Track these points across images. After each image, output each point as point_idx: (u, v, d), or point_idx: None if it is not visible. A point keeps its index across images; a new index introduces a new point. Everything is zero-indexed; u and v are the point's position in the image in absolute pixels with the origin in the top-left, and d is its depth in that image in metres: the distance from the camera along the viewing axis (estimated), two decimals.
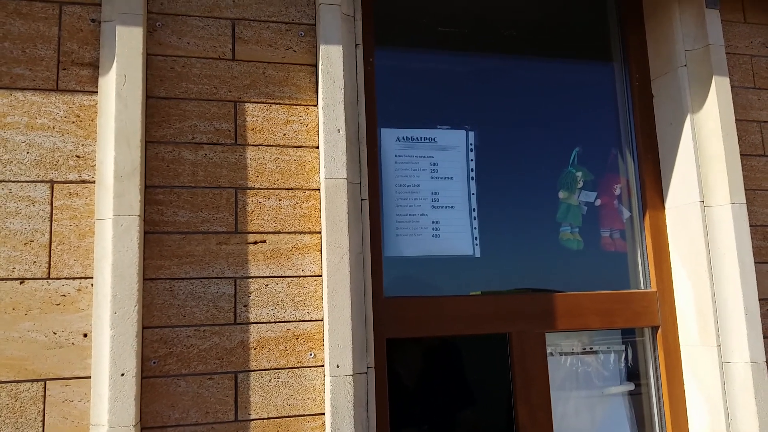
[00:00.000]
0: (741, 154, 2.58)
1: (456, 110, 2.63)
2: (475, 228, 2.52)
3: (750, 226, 2.50)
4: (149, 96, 2.01)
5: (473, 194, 2.55)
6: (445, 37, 2.71)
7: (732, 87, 2.65)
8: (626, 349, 2.61)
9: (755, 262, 2.47)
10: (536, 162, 2.67)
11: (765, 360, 2.32)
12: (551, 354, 2.48)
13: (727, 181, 2.44)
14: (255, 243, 2.02)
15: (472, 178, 2.56)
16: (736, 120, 2.61)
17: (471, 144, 2.59)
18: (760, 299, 2.44)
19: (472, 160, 2.58)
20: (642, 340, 2.62)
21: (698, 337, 2.42)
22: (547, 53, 2.82)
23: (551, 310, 2.41)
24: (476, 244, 2.51)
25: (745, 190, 2.55)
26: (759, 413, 2.26)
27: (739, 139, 2.60)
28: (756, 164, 2.62)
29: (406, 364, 2.42)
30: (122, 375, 1.77)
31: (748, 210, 2.51)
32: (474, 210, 2.54)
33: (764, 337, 2.43)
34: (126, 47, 1.94)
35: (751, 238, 2.48)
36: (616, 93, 2.84)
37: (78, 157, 1.91)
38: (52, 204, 1.86)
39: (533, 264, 2.59)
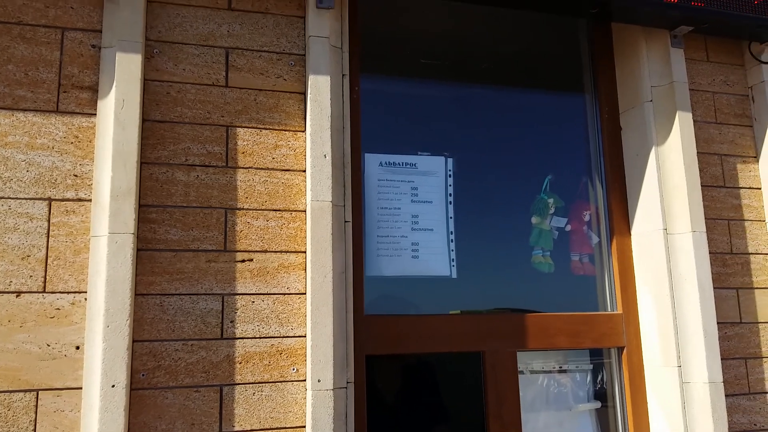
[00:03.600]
0: (702, 185, 2.70)
1: (436, 137, 2.72)
2: (453, 250, 2.60)
3: (710, 253, 2.61)
4: (145, 119, 2.07)
5: (451, 218, 2.63)
6: (427, 69, 2.81)
7: (695, 122, 2.77)
8: (594, 369, 2.69)
9: (714, 288, 2.57)
10: (511, 188, 2.77)
11: (722, 381, 2.42)
12: (522, 372, 2.55)
13: (688, 211, 2.54)
14: (243, 261, 2.08)
15: (450, 203, 2.64)
16: (699, 153, 2.72)
17: (450, 170, 2.68)
18: (718, 323, 2.54)
19: (450, 185, 2.66)
20: (609, 360, 2.70)
21: (660, 357, 2.51)
22: (523, 85, 2.93)
23: (523, 330, 2.49)
24: (453, 266, 2.58)
25: (706, 219, 2.66)
26: (716, 430, 2.35)
27: (701, 171, 2.72)
28: (716, 195, 2.74)
29: (384, 380, 2.48)
30: (113, 386, 1.81)
31: (708, 238, 2.62)
32: (451, 233, 2.62)
33: (723, 359, 2.53)
34: (125, 72, 2.00)
35: (711, 265, 2.59)
36: (587, 124, 2.95)
37: (76, 176, 1.96)
38: (49, 221, 1.91)
39: (507, 285, 2.67)
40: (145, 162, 2.04)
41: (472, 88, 2.84)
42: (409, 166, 2.63)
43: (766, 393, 2.57)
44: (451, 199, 2.65)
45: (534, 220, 2.75)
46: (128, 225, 1.91)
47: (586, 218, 2.81)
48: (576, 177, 2.87)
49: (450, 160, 2.68)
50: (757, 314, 2.64)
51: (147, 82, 2.09)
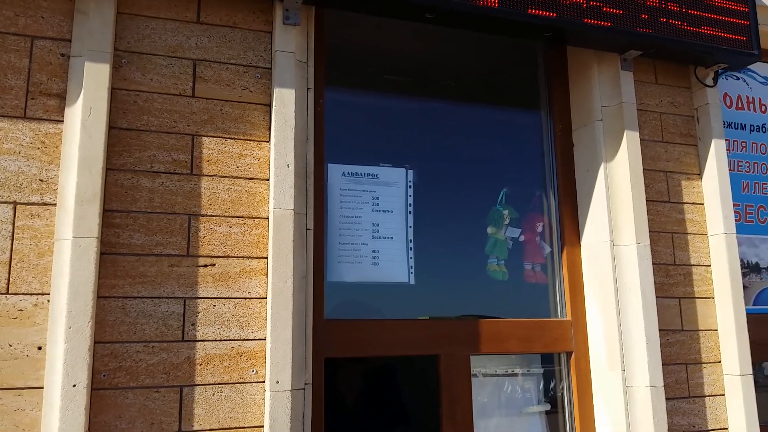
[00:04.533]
0: (648, 200, 2.82)
1: (398, 150, 2.80)
2: (411, 258, 2.67)
3: (653, 264, 2.73)
4: (112, 126, 2.11)
5: (410, 227, 2.71)
6: (391, 84, 2.89)
7: (643, 140, 2.90)
8: (544, 373, 2.79)
9: (657, 297, 2.69)
10: (468, 200, 2.86)
11: (663, 384, 2.53)
12: (476, 375, 2.63)
13: (633, 224, 2.66)
14: (205, 266, 2.12)
15: (410, 212, 2.72)
16: (646, 170, 2.85)
17: (410, 181, 2.76)
18: (661, 330, 2.66)
19: (410, 195, 2.74)
20: (558, 364, 2.80)
21: (606, 362, 2.62)
22: (483, 101, 3.03)
23: (476, 335, 2.58)
24: (411, 273, 2.66)
25: (651, 232, 2.78)
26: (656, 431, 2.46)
27: (648, 186, 2.84)
28: (661, 209, 2.87)
29: (343, 382, 2.54)
30: (74, 386, 1.84)
31: (652, 250, 2.75)
32: (411, 241, 2.69)
33: (664, 365, 2.64)
34: (93, 81, 2.04)
35: (654, 275, 2.71)
36: (542, 140, 3.06)
37: (41, 180, 1.99)
38: (14, 224, 1.93)
39: (463, 292, 2.75)
40: (110, 168, 2.08)
41: (433, 103, 2.93)
42: (371, 176, 2.70)
43: (705, 396, 2.69)
44: (410, 209, 2.73)
45: (489, 230, 2.84)
46: (92, 230, 1.94)
47: (539, 229, 2.92)
48: (530, 190, 2.97)
49: (411, 172, 2.77)
50: (698, 322, 2.76)
51: (114, 91, 2.13)
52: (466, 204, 2.85)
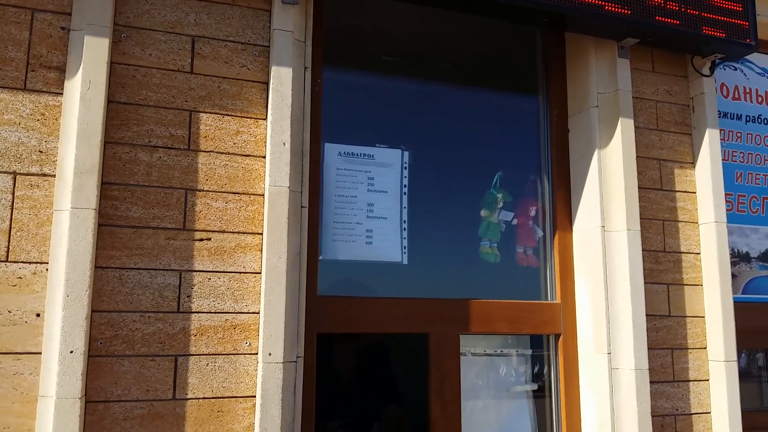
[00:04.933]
0: (641, 187, 2.85)
1: (394, 131, 2.83)
2: (405, 238, 2.71)
3: (643, 250, 2.77)
4: (111, 100, 2.14)
5: (405, 207, 2.74)
6: (389, 65, 2.91)
7: (637, 128, 2.92)
8: (532, 353, 2.84)
9: (646, 282, 2.73)
10: (463, 182, 2.89)
11: (648, 368, 2.58)
12: (465, 354, 2.68)
13: (624, 210, 2.70)
14: (201, 240, 2.16)
15: (405, 193, 2.76)
16: (640, 157, 2.88)
17: (405, 162, 2.79)
18: (648, 315, 2.70)
19: (405, 177, 2.78)
20: (546, 345, 2.85)
21: (593, 345, 2.67)
22: (480, 85, 3.05)
23: (467, 315, 2.62)
24: (405, 253, 2.70)
25: (643, 218, 2.82)
26: (639, 413, 2.52)
27: (641, 173, 2.87)
28: (653, 197, 2.90)
29: (335, 357, 2.59)
30: (71, 352, 1.88)
31: (642, 236, 2.78)
32: (404, 222, 2.73)
33: (651, 349, 2.69)
34: (92, 55, 2.07)
35: (644, 261, 2.75)
36: (538, 125, 3.08)
37: (41, 152, 2.02)
38: (13, 194, 1.97)
39: (455, 273, 2.80)
40: (109, 141, 2.11)
41: (431, 86, 2.95)
42: (366, 157, 2.73)
43: (689, 381, 2.75)
44: (405, 190, 2.76)
45: (483, 213, 2.88)
46: (90, 201, 1.98)
47: (532, 213, 2.95)
48: (525, 174, 3.01)
49: (406, 153, 2.80)
50: (686, 309, 2.81)
51: (113, 65, 2.16)
52: (461, 186, 2.88)
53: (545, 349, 2.83)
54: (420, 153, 2.82)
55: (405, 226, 2.72)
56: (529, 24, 2.91)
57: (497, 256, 2.86)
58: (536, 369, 2.82)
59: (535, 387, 2.79)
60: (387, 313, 2.53)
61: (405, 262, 2.69)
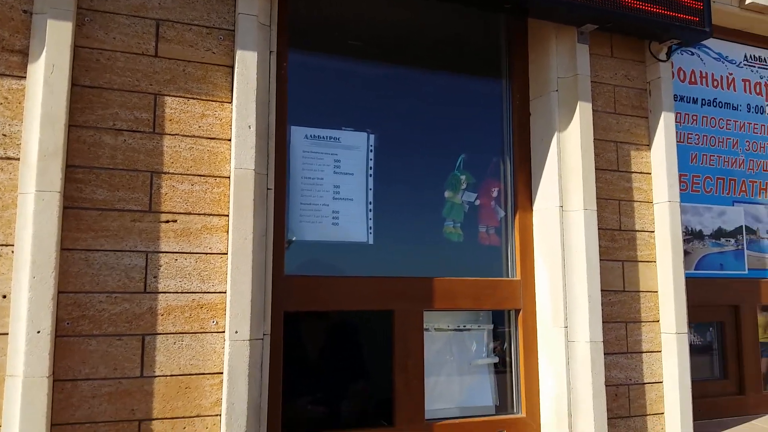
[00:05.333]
0: (598, 169, 2.94)
1: (360, 114, 2.87)
2: (370, 219, 2.77)
3: (600, 229, 2.87)
4: (75, 84, 2.14)
5: (370, 189, 2.80)
6: (355, 49, 2.94)
7: (595, 111, 3.00)
8: (494, 328, 2.93)
9: (601, 260, 2.83)
10: (427, 164, 2.95)
11: (603, 340, 2.69)
12: (428, 330, 2.76)
13: (582, 191, 2.78)
14: (167, 222, 2.19)
15: (371, 175, 2.81)
16: (597, 140, 2.96)
17: (371, 145, 2.84)
18: (604, 290, 2.80)
19: (371, 159, 2.83)
20: (507, 321, 2.94)
21: (551, 319, 2.77)
22: (445, 69, 3.09)
23: (430, 293, 2.70)
24: (370, 233, 2.76)
25: (599, 198, 2.90)
26: (594, 383, 2.62)
27: (598, 155, 2.96)
28: (610, 178, 2.99)
29: (302, 334, 2.65)
30: (38, 332, 1.91)
31: (599, 216, 2.87)
32: (370, 203, 2.79)
33: (605, 322, 2.80)
34: (55, 39, 2.07)
35: (600, 239, 2.85)
36: (501, 108, 3.14)
37: (4, 135, 2.02)
38: None
39: (419, 252, 2.86)
40: (73, 125, 2.12)
41: (397, 69, 2.99)
42: (333, 140, 2.78)
43: (642, 353, 2.86)
44: (371, 172, 2.81)
45: (447, 194, 2.94)
46: (55, 184, 1.99)
47: (495, 194, 3.03)
48: (488, 156, 3.07)
49: (372, 136, 2.84)
50: (639, 284, 2.92)
51: (77, 49, 2.16)
52: (426, 168, 2.94)
53: (506, 324, 2.92)
54: (386, 135, 2.87)
55: (371, 207, 2.77)
56: (492, 10, 2.96)
57: (460, 235, 2.93)
58: (497, 343, 2.91)
59: (496, 360, 2.89)
60: (353, 291, 2.59)
61: (371, 242, 2.74)
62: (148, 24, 2.28)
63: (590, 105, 2.89)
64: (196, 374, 2.14)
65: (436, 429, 2.60)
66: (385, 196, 2.81)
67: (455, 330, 2.85)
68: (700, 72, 3.64)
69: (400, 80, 2.99)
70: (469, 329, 2.89)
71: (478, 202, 2.99)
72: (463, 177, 2.98)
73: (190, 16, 2.34)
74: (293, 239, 2.62)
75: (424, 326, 2.69)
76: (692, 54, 3.63)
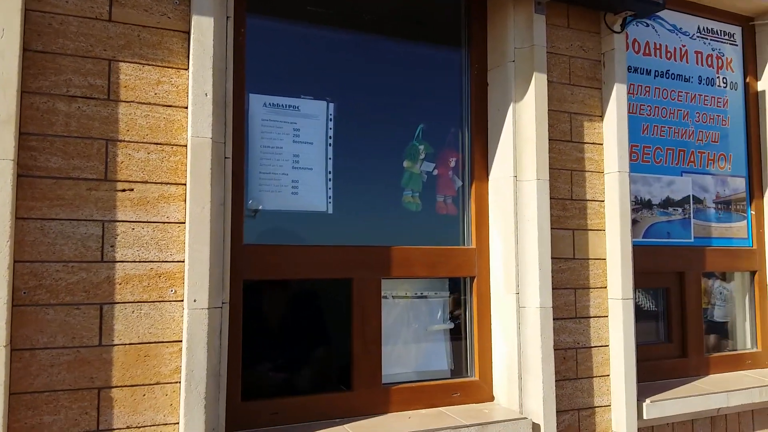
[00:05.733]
0: (552, 139, 3.01)
1: (320, 82, 2.86)
2: (330, 188, 2.80)
3: (552, 198, 2.96)
4: (26, 49, 2.09)
5: (330, 158, 2.82)
6: (314, 15, 2.92)
7: (551, 82, 3.06)
8: (450, 295, 3.02)
9: (553, 228, 2.93)
10: (387, 134, 2.97)
11: (552, 306, 2.80)
12: (386, 297, 2.83)
13: (535, 161, 2.86)
14: (123, 191, 2.19)
15: (330, 144, 2.83)
16: (553, 111, 3.03)
17: (331, 114, 2.85)
18: (554, 258, 2.91)
19: (331, 128, 2.84)
20: (463, 288, 3.03)
21: (503, 286, 2.86)
22: (405, 37, 3.09)
23: (388, 261, 2.76)
24: (330, 202, 2.79)
25: (552, 169, 2.99)
26: (543, 347, 2.74)
27: (552, 126, 3.03)
28: (563, 148, 3.07)
29: (262, 302, 2.69)
30: None
31: (552, 186, 2.96)
32: (330, 172, 2.81)
33: (556, 289, 2.91)
34: (5, 2, 2.01)
35: (552, 208, 2.94)
36: (461, 78, 3.17)
37: None
38: None
39: (378, 221, 2.91)
40: (25, 91, 2.08)
41: (357, 37, 2.98)
42: (292, 108, 2.77)
43: (590, 317, 2.99)
44: (330, 141, 2.83)
45: (406, 164, 2.98)
46: (8, 152, 1.96)
47: (452, 164, 3.08)
48: (446, 126, 3.11)
49: (332, 105, 2.85)
50: (589, 252, 3.03)
51: (28, 12, 2.10)
52: (385, 138, 2.97)
53: (462, 292, 3.01)
54: (346, 104, 2.88)
55: (330, 176, 2.80)
56: None
57: (419, 205, 2.98)
58: (453, 309, 3.00)
59: (452, 326, 2.98)
60: (312, 260, 2.63)
61: (330, 211, 2.78)
62: None
63: (545, 76, 2.95)
64: (155, 342, 2.16)
65: (392, 392, 2.70)
66: (344, 166, 2.84)
67: (413, 297, 2.92)
68: (654, 43, 3.72)
69: (361, 48, 2.98)
70: (426, 296, 2.97)
71: (436, 172, 3.04)
72: (421, 147, 3.02)
73: None
74: (260, 208, 2.64)
75: (383, 294, 2.75)
76: (647, 26, 3.70)
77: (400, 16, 3.10)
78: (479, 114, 3.09)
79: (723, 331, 3.81)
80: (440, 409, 2.72)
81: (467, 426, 2.48)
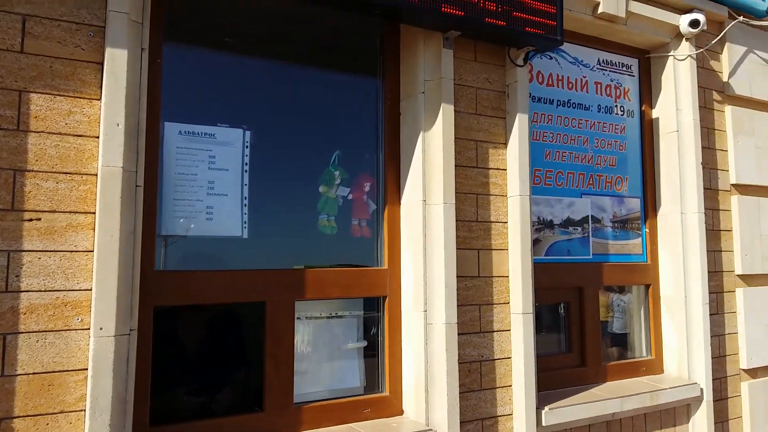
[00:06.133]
0: (459, 165, 3.12)
1: (237, 110, 2.88)
2: (245, 213, 2.81)
3: (459, 220, 3.06)
4: None
5: (246, 184, 2.83)
6: (232, 46, 2.94)
7: (459, 112, 3.18)
8: (363, 315, 3.07)
9: (459, 248, 3.03)
10: (303, 160, 3.01)
11: (457, 322, 2.89)
12: (300, 318, 2.86)
13: (442, 186, 2.96)
14: (30, 220, 2.15)
15: (246, 171, 2.85)
16: (460, 139, 3.14)
17: (247, 141, 2.87)
18: (460, 276, 3.00)
19: (247, 155, 2.86)
20: (376, 308, 3.08)
21: (412, 304, 2.94)
22: (322, 65, 3.15)
23: (302, 283, 2.79)
24: (245, 227, 2.80)
25: (459, 193, 3.10)
26: (447, 361, 2.83)
27: (459, 153, 3.14)
28: (470, 174, 3.19)
29: (175, 328, 2.67)
30: None
31: (459, 209, 3.07)
32: (245, 198, 2.83)
33: (462, 305, 3.00)
34: None
35: (459, 230, 3.04)
36: (376, 108, 3.25)
37: None
38: None
39: (294, 245, 2.94)
40: None
41: (273, 66, 3.01)
42: (208, 136, 2.78)
43: (494, 332, 3.11)
44: (247, 167, 2.85)
45: (321, 189, 3.03)
46: None
47: (367, 189, 3.15)
48: (361, 152, 3.18)
49: (248, 132, 2.87)
50: (493, 270, 3.15)
51: None
52: (301, 164, 3.01)
53: (375, 310, 3.07)
54: (262, 131, 2.90)
55: (246, 202, 2.82)
56: (364, 14, 3.04)
57: (334, 228, 3.03)
58: (366, 328, 3.06)
59: (365, 344, 3.03)
60: (225, 284, 2.63)
61: (245, 236, 2.79)
62: (14, 19, 2.19)
63: (452, 107, 3.06)
64: (59, 371, 2.12)
65: (303, 411, 2.72)
66: (260, 191, 2.86)
67: (327, 317, 2.96)
68: (557, 75, 3.90)
69: (278, 76, 3.02)
70: (341, 316, 3.01)
71: (351, 197, 3.10)
72: (337, 172, 3.08)
73: (59, 12, 2.27)
74: (187, 235, 2.63)
75: (297, 315, 2.78)
76: (551, 58, 3.88)
77: (320, 46, 3.15)
78: (392, 141, 3.17)
79: (622, 341, 4.01)
80: (350, 425, 2.76)
81: None
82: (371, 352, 3.04)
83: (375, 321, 3.07)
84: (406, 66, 3.19)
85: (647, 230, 4.06)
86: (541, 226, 3.64)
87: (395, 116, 3.19)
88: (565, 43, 3.84)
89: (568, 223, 3.77)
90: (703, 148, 4.08)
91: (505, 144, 3.32)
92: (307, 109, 3.07)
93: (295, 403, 2.72)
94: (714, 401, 3.78)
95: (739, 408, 4.01)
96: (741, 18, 4.28)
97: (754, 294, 4.16)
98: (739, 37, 4.36)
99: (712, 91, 4.26)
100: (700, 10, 4.03)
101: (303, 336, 2.86)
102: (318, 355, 2.92)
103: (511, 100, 3.35)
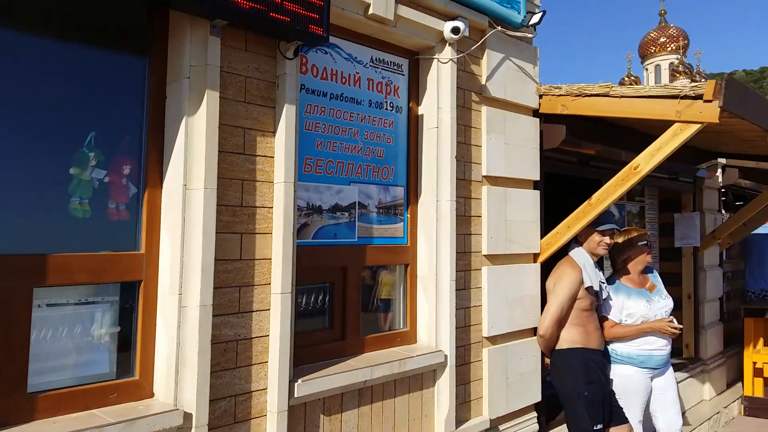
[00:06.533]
0: (224, 151, 3.12)
1: None
2: None
3: (222, 205, 3.07)
4: None
5: None
6: None
7: (226, 99, 3.17)
8: (119, 299, 2.95)
9: (222, 233, 3.04)
10: (53, 142, 2.79)
11: (212, 304, 2.91)
12: (40, 306, 2.65)
13: (204, 171, 2.94)
14: None
15: None
16: (226, 125, 3.14)
17: None
18: (221, 259, 3.02)
19: None
20: (132, 292, 2.98)
21: (168, 288, 2.90)
22: (87, 44, 2.93)
23: (43, 269, 2.61)
24: None
25: (224, 178, 3.10)
26: (200, 341, 2.82)
27: (225, 140, 3.14)
28: (236, 160, 3.20)
29: None
30: None
31: (223, 194, 3.07)
32: None
33: (222, 287, 3.03)
34: None
35: (222, 215, 3.06)
36: (142, 90, 3.11)
37: None
38: None
39: (41, 229, 2.72)
40: None
41: (25, 40, 2.74)
42: None
43: (253, 312, 3.18)
44: None
45: (73, 170, 2.84)
46: None
47: (126, 171, 3.02)
48: (122, 134, 3.03)
49: None
50: (255, 253, 3.22)
51: None
52: (51, 146, 2.79)
53: (130, 295, 2.97)
54: (4, 110, 2.63)
55: None
56: None
57: (87, 211, 2.87)
58: (123, 314, 2.95)
59: (118, 329, 2.93)
60: None
61: None
62: None
63: (217, 93, 3.04)
64: None
65: (39, 400, 2.55)
66: (3, 178, 2.60)
67: (75, 304, 2.80)
68: (332, 69, 4.05)
69: (30, 52, 2.74)
70: (93, 302, 2.87)
71: (107, 179, 2.95)
72: (92, 154, 2.91)
73: None
74: None
75: (37, 303, 2.60)
76: (326, 53, 4.02)
77: (82, 22, 2.92)
78: (156, 124, 3.07)
79: (386, 315, 4.34)
80: (93, 411, 2.65)
81: (113, 424, 2.48)
82: (125, 338, 2.95)
83: (130, 306, 2.97)
84: (173, 49, 3.10)
85: (409, 216, 4.41)
86: (310, 211, 3.79)
87: (161, 99, 3.10)
88: (340, 40, 4.03)
89: (336, 208, 3.96)
90: (459, 143, 4.49)
91: (274, 132, 3.39)
92: (59, 88, 2.84)
93: (30, 392, 2.55)
94: (457, 366, 4.24)
95: (481, 371, 4.54)
96: (499, 28, 4.73)
97: (497, 271, 4.72)
98: (497, 45, 4.85)
99: (471, 92, 4.71)
100: (464, 18, 4.40)
101: (45, 324, 2.68)
102: (62, 343, 2.75)
103: (280, 91, 3.42)
